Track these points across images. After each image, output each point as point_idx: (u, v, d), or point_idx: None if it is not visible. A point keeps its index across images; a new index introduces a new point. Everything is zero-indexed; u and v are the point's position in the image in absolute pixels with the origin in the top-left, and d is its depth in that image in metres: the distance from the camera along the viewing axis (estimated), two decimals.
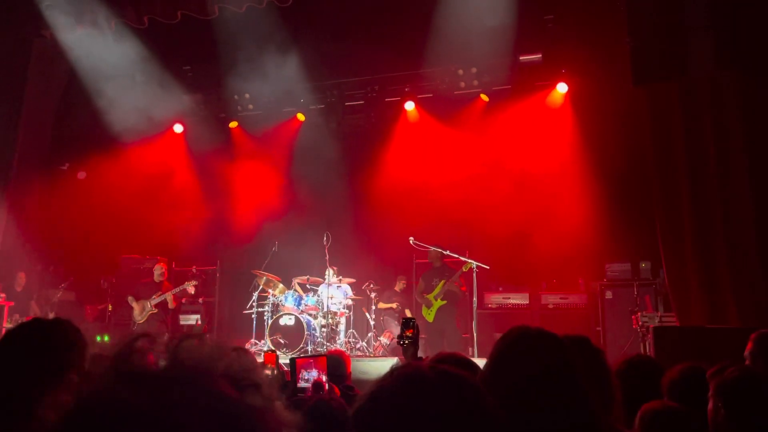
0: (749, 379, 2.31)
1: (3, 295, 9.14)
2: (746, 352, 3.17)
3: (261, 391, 0.69)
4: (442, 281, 8.85)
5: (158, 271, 9.28)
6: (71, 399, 0.63)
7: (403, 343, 3.21)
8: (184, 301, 9.91)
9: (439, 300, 8.84)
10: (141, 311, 9.00)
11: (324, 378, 3.43)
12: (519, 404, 1.54)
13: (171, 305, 9.13)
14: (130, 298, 9.13)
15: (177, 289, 9.07)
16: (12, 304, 9.18)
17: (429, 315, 8.91)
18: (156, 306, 9.02)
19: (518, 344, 1.70)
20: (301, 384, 3.37)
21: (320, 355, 3.69)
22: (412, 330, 3.20)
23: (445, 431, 1.03)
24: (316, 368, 3.41)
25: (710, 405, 2.32)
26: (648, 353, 6.64)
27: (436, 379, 1.07)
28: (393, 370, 1.12)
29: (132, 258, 10.52)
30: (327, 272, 8.95)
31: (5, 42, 9.28)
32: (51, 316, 9.34)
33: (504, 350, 1.70)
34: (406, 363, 1.16)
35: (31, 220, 9.96)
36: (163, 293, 9.00)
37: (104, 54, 9.50)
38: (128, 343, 0.68)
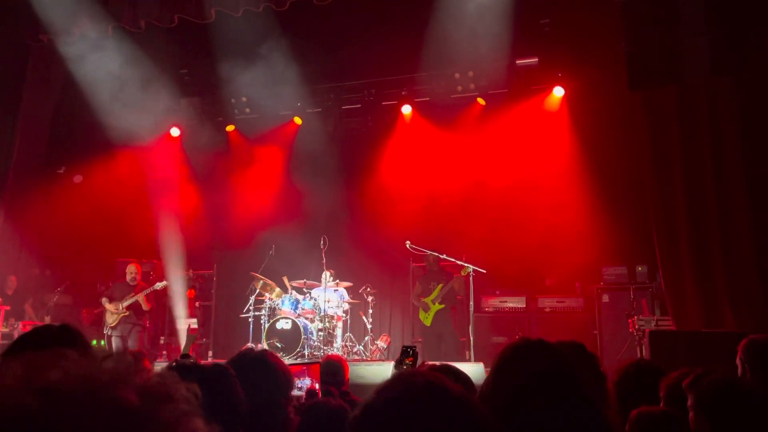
0: (728, 387, 2.26)
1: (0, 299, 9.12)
2: (737, 360, 3.16)
3: (174, 404, 0.67)
4: (440, 285, 8.85)
5: (131, 271, 8.91)
6: None
7: (401, 369, 3.23)
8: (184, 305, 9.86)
9: (437, 304, 8.84)
10: (112, 314, 8.70)
11: (317, 386, 3.43)
12: (522, 413, 1.56)
13: (145, 306, 8.73)
14: (104, 300, 8.82)
15: (148, 290, 8.72)
16: (8, 308, 9.16)
17: (426, 319, 8.91)
18: (128, 308, 8.67)
19: (520, 355, 1.72)
20: (294, 392, 3.36)
21: (314, 363, 3.69)
22: (411, 358, 3.24)
23: None
24: (309, 376, 3.41)
25: (691, 416, 2.29)
26: (644, 357, 6.66)
27: (426, 394, 1.08)
28: (389, 383, 1.13)
29: (128, 261, 10.48)
30: (324, 275, 8.94)
31: (2, 46, 9.28)
32: (47, 319, 9.37)
33: (505, 362, 1.72)
34: (402, 373, 1.18)
35: (28, 224, 9.94)
36: (135, 295, 8.69)
37: (101, 58, 9.50)
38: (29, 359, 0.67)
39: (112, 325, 8.68)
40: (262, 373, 2.15)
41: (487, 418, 1.11)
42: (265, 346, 8.41)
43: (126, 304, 8.68)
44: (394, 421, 1.05)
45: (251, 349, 2.30)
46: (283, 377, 2.21)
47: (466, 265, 8.22)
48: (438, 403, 1.07)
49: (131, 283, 8.90)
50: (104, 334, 8.80)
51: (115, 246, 10.40)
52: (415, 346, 3.31)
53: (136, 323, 8.80)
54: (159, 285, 8.86)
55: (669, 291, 7.63)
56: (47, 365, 0.65)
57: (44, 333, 2.03)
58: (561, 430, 1.55)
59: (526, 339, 1.75)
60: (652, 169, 7.91)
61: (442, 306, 8.84)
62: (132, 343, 8.64)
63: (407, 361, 3.21)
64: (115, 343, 8.65)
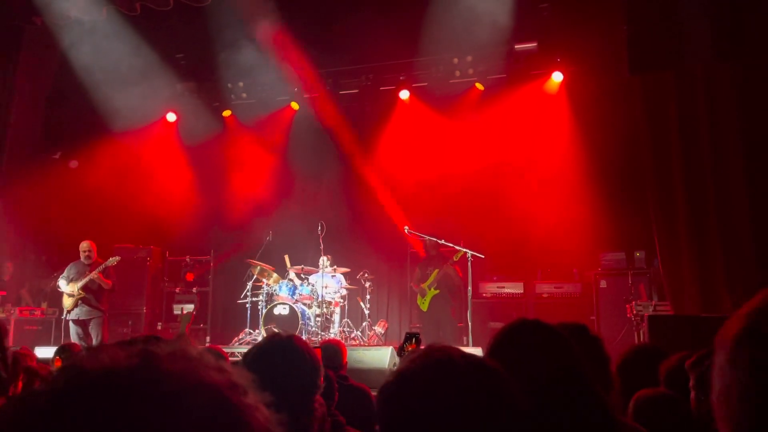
0: None
1: None
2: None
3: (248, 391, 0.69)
4: (436, 270, 8.85)
5: (84, 248, 8.21)
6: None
7: (404, 356, 3.21)
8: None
9: (432, 289, 8.84)
10: (69, 297, 8.09)
11: None
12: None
13: (105, 285, 8.11)
14: (60, 281, 8.20)
15: (101, 267, 8.07)
16: (5, 294, 9.13)
17: (423, 304, 8.92)
18: (85, 290, 8.04)
19: (517, 335, 1.71)
20: None
21: (316, 347, 3.67)
22: (414, 345, 3.22)
23: (468, 416, 1.03)
24: None
25: (692, 396, 2.28)
26: (642, 342, 6.67)
27: (464, 366, 1.08)
28: (424, 353, 1.13)
29: (125, 247, 10.43)
30: (321, 261, 8.93)
31: None
32: (44, 305, 9.33)
33: (502, 342, 1.70)
34: (438, 346, 1.17)
35: (23, 210, 9.88)
36: (90, 273, 8.05)
37: (96, 41, 9.40)
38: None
39: (69, 308, 8.08)
40: (292, 360, 2.09)
41: (516, 393, 1.11)
42: (263, 332, 8.41)
43: (81, 284, 8.02)
44: (426, 389, 1.05)
45: (278, 333, 2.23)
46: (313, 364, 2.15)
47: (463, 250, 8.20)
48: (469, 373, 1.07)
49: (86, 262, 8.22)
50: (62, 319, 8.25)
51: (111, 231, 10.33)
52: (418, 333, 3.30)
53: (96, 308, 8.17)
54: (112, 260, 8.26)
55: (667, 276, 7.64)
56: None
57: None
58: (558, 411, 1.53)
59: (524, 319, 1.73)
60: (651, 154, 7.90)
61: (438, 291, 8.84)
62: (95, 334, 8.08)
63: (410, 348, 3.19)
64: (73, 329, 8.10)
